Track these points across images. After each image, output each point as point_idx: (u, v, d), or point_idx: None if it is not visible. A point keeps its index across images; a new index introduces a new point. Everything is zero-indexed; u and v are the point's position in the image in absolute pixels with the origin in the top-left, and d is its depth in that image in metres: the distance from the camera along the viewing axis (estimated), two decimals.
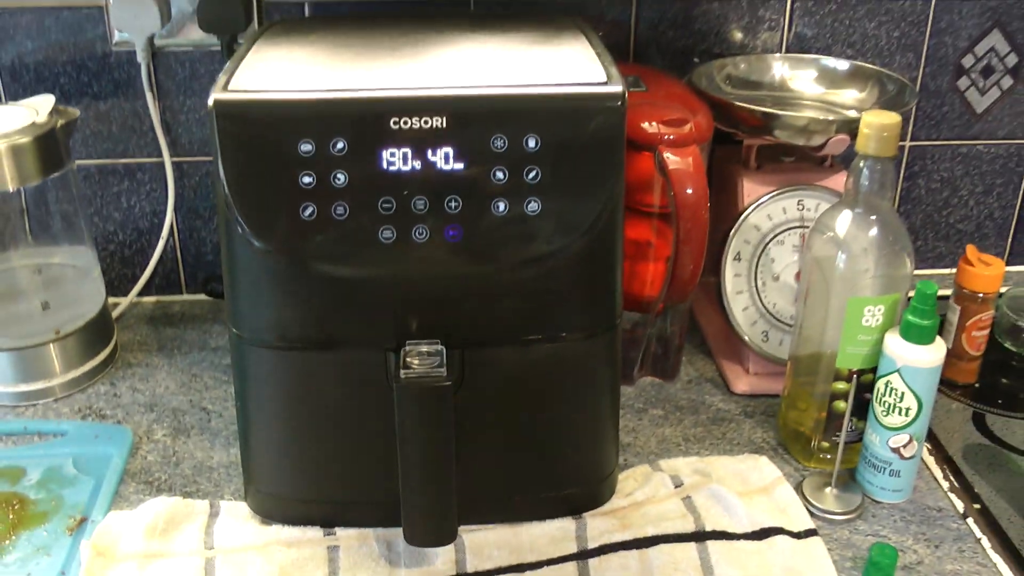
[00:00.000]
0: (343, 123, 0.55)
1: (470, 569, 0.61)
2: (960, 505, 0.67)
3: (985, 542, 0.64)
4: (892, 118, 0.62)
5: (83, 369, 0.80)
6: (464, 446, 0.58)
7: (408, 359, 0.57)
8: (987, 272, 0.77)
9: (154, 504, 0.65)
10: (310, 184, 0.55)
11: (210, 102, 0.54)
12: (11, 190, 0.76)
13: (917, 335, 0.63)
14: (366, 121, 0.55)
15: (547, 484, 0.64)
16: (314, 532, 0.63)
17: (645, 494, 0.67)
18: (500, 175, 0.57)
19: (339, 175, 0.56)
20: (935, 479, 0.70)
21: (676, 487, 0.68)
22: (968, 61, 0.91)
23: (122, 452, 0.72)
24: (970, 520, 0.66)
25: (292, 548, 0.62)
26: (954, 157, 0.96)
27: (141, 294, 0.93)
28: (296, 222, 0.55)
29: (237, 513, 0.65)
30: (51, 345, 0.78)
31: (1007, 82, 0.92)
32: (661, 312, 0.77)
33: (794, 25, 0.88)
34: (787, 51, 0.89)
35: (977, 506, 0.68)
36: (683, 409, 0.78)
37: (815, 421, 0.70)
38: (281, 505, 0.63)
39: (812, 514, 0.66)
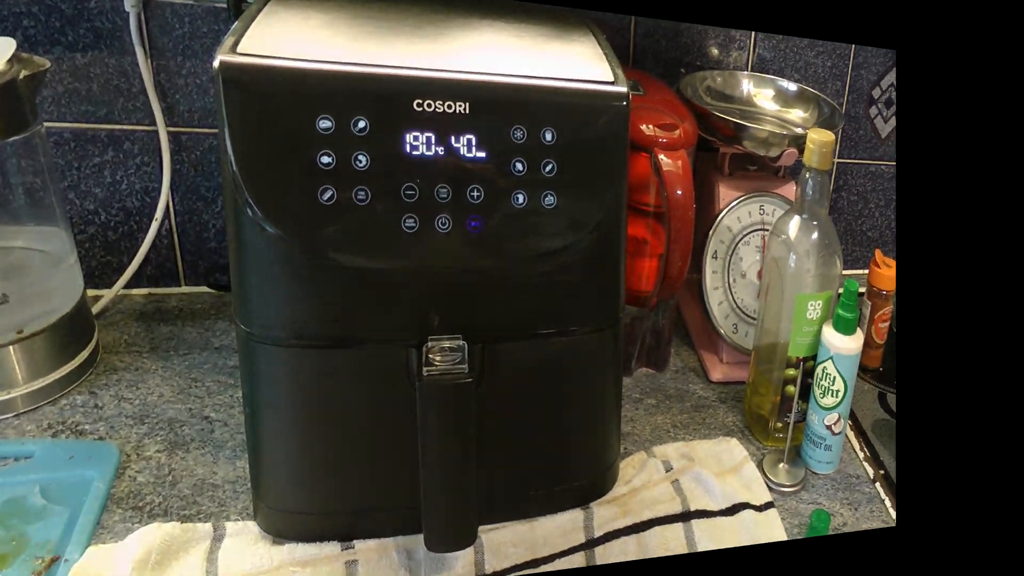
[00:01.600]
0: (366, 100, 0.40)
1: (488, 570, 0.46)
2: (871, 472, 0.61)
3: (887, 503, 0.58)
4: (829, 136, 0.56)
5: (54, 376, 0.55)
6: (483, 443, 0.45)
7: (431, 356, 0.42)
8: (890, 272, 0.72)
9: (146, 533, 0.45)
10: (329, 165, 0.40)
11: (215, 64, 0.38)
12: None
13: (845, 326, 0.58)
14: (390, 100, 0.40)
15: (559, 477, 0.50)
16: (331, 548, 0.46)
17: (641, 480, 0.55)
18: (519, 167, 0.43)
19: (360, 156, 0.40)
20: (854, 450, 0.63)
21: (667, 471, 0.56)
22: (876, 92, 0.84)
23: (105, 474, 0.49)
24: (877, 484, 0.60)
25: (308, 568, 0.45)
26: (866, 174, 0.88)
27: (129, 286, 0.66)
28: (313, 206, 0.39)
29: (245, 535, 0.47)
30: (12, 348, 0.53)
31: None
32: (655, 307, 0.65)
33: (756, 47, 0.78)
34: (752, 70, 0.78)
35: (882, 472, 0.61)
36: (672, 397, 0.66)
37: (772, 404, 0.61)
38: (295, 521, 0.46)
39: (769, 488, 0.57)
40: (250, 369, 0.43)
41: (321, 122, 0.39)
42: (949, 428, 0.43)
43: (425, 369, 0.41)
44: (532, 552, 0.48)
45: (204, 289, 0.69)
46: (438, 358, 0.42)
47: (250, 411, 0.44)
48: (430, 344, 0.43)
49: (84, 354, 0.58)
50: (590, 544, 0.49)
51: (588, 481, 0.52)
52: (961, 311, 0.43)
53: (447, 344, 0.43)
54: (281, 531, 0.46)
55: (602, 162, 0.45)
